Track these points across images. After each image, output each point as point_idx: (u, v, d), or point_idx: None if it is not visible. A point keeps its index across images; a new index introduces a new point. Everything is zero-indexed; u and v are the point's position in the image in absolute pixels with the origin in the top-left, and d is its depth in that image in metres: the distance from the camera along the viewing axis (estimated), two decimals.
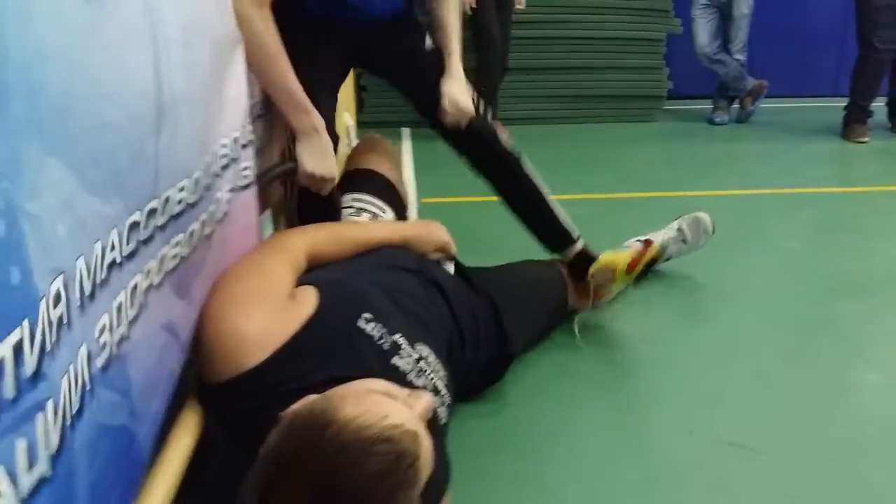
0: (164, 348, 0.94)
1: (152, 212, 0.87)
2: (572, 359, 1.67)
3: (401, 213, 1.74)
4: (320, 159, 1.46)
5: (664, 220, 2.09)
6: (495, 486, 1.25)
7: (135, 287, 0.82)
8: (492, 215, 2.48)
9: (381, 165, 1.79)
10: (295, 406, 0.83)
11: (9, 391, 0.55)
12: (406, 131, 4.26)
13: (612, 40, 4.38)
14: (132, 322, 0.81)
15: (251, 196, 1.35)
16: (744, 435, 1.38)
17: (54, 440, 0.61)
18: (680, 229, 2.05)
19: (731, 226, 2.56)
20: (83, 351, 0.68)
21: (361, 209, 1.63)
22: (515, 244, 1.98)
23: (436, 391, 1.12)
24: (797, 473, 1.30)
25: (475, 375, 1.42)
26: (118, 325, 0.77)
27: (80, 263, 0.67)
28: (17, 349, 0.56)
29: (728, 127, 4.33)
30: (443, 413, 1.14)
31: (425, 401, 0.84)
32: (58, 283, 0.62)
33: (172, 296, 0.96)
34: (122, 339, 0.78)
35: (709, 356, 1.71)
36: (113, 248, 0.75)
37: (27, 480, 0.57)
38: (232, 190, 1.22)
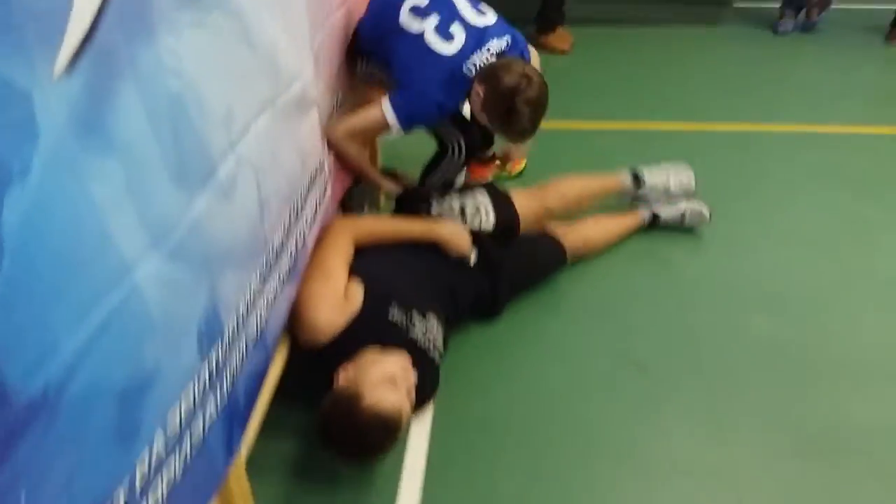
0: (287, 313, 1.55)
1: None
2: (553, 299, 2.24)
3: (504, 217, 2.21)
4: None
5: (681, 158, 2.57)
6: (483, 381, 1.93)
7: (273, 284, 1.43)
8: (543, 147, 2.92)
9: None
10: (340, 378, 1.58)
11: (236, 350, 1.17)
12: None
13: None
14: (272, 300, 1.44)
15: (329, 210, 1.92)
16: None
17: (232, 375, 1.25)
18: (683, 214, 2.50)
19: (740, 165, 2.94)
20: (252, 324, 1.31)
21: (463, 206, 2.16)
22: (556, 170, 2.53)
23: (435, 347, 1.79)
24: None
25: (477, 312, 2.09)
26: (267, 306, 1.40)
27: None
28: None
29: (791, 38, 4.42)
30: (437, 358, 1.80)
31: (411, 379, 1.60)
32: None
33: (292, 282, 1.56)
34: (266, 313, 1.42)
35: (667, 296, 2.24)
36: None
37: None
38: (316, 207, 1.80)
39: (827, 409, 1.81)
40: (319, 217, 1.79)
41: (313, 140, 1.74)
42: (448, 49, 1.95)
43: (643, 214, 2.51)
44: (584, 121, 3.37)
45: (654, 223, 2.51)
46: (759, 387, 1.89)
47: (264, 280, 1.42)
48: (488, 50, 1.95)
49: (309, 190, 1.71)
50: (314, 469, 1.68)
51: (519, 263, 2.12)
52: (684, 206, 2.50)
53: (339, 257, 1.79)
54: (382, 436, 1.53)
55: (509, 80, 1.85)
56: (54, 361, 0.81)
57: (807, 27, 4.48)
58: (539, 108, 1.91)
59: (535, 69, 1.94)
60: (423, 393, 1.72)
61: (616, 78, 3.89)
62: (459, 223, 2.09)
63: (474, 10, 2.03)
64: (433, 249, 1.99)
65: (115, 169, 0.90)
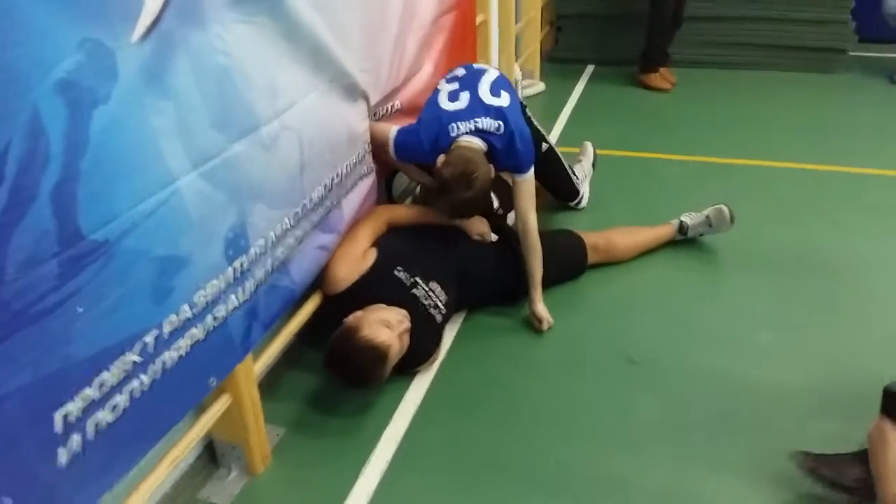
0: (314, 258, 1.98)
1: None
2: (572, 296, 2.51)
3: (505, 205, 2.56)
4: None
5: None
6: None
7: (305, 226, 1.86)
8: (618, 170, 3.21)
9: None
10: (349, 319, 1.98)
11: (261, 266, 1.61)
12: (589, 69, 4.90)
13: None
14: (301, 240, 1.86)
15: (368, 182, 2.32)
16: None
17: (255, 283, 1.68)
18: (707, 216, 2.72)
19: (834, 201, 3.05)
20: (279, 252, 1.74)
21: None
22: (620, 200, 2.96)
23: (436, 307, 2.18)
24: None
25: (498, 298, 2.42)
26: (296, 244, 1.83)
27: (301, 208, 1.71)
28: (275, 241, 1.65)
29: None
30: (438, 317, 2.18)
31: (404, 327, 1.98)
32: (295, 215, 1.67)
33: (322, 231, 1.98)
34: (294, 250, 1.83)
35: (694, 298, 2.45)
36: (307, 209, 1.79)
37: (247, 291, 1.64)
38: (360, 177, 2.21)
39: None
40: (360, 190, 2.21)
41: (361, 125, 2.17)
42: (448, 107, 2.26)
43: (674, 223, 2.73)
44: (656, 153, 3.62)
45: (684, 232, 2.72)
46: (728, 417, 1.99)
47: (297, 223, 1.85)
48: (475, 122, 2.20)
49: (355, 165, 2.14)
50: (320, 399, 2.09)
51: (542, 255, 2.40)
52: (707, 210, 2.72)
53: (367, 228, 2.22)
54: (371, 362, 1.92)
55: (451, 173, 2.11)
56: (115, 222, 1.26)
57: None
58: (464, 207, 2.20)
59: (483, 175, 2.13)
60: (422, 343, 2.10)
61: (703, 117, 4.07)
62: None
63: (490, 90, 2.29)
64: (456, 234, 2.36)
65: (168, 109, 1.36)
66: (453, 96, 2.31)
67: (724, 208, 2.70)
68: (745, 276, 2.58)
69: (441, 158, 2.18)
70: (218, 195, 1.52)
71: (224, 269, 1.58)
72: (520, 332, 2.34)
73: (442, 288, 2.21)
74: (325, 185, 1.98)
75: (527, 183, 2.28)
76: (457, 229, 2.38)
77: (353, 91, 2.07)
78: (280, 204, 1.77)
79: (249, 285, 1.68)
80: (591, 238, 2.59)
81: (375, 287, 2.10)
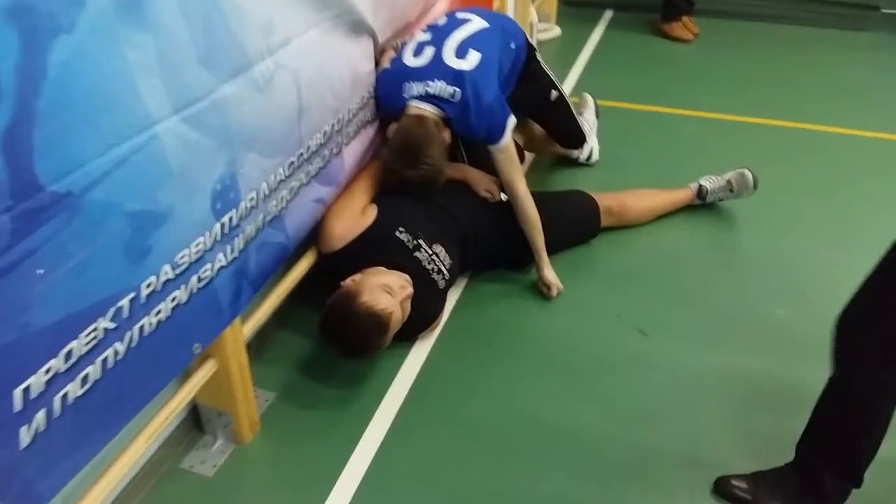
0: (310, 212, 1.81)
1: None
2: (583, 261, 2.35)
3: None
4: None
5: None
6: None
7: (301, 177, 1.69)
8: (633, 125, 3.03)
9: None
10: (347, 281, 1.82)
11: (252, 221, 1.44)
12: (608, 14, 4.65)
13: None
14: (296, 192, 1.69)
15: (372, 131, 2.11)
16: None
17: (245, 240, 1.51)
18: (729, 180, 2.54)
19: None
20: (272, 205, 1.58)
21: None
22: (634, 158, 2.77)
23: (439, 271, 2.00)
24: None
25: (508, 261, 2.26)
26: (290, 196, 1.66)
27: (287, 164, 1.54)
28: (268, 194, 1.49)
29: None
30: (441, 282, 2.01)
31: (406, 293, 1.82)
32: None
33: (320, 183, 1.81)
34: (288, 203, 1.67)
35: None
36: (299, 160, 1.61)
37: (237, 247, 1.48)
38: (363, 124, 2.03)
39: None
40: (363, 138, 2.03)
41: (366, 66, 1.97)
42: (409, 62, 2.03)
43: (692, 186, 2.57)
44: (674, 108, 3.41)
45: (703, 196, 2.56)
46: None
47: (292, 172, 1.67)
48: (427, 85, 1.96)
49: (358, 111, 1.95)
50: (313, 363, 1.95)
51: (551, 216, 2.22)
52: (729, 174, 2.55)
53: (366, 183, 2.04)
54: (371, 330, 1.76)
55: (394, 148, 1.97)
56: (79, 172, 1.08)
57: None
58: (410, 187, 1.98)
59: (433, 152, 1.94)
60: (424, 310, 1.95)
61: (726, 71, 3.83)
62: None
63: (456, 48, 2.02)
64: (461, 190, 2.19)
65: (147, 42, 1.17)
66: (419, 50, 2.06)
67: (748, 172, 2.52)
68: (765, 246, 2.43)
69: (391, 127, 2.01)
70: (205, 142, 1.35)
71: (211, 225, 1.42)
72: (525, 300, 2.19)
73: (446, 251, 2.04)
74: (325, 132, 1.80)
75: (503, 152, 2.05)
76: (463, 185, 2.21)
77: (358, 28, 1.87)
78: (275, 152, 1.60)
79: (239, 242, 1.52)
80: (604, 200, 2.42)
81: (375, 247, 1.94)
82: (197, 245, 1.38)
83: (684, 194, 2.57)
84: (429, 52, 2.04)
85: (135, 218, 1.22)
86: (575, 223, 2.38)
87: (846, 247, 2.40)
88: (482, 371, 1.93)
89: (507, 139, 2.04)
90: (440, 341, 2.02)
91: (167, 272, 1.31)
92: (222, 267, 1.48)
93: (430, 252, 1.99)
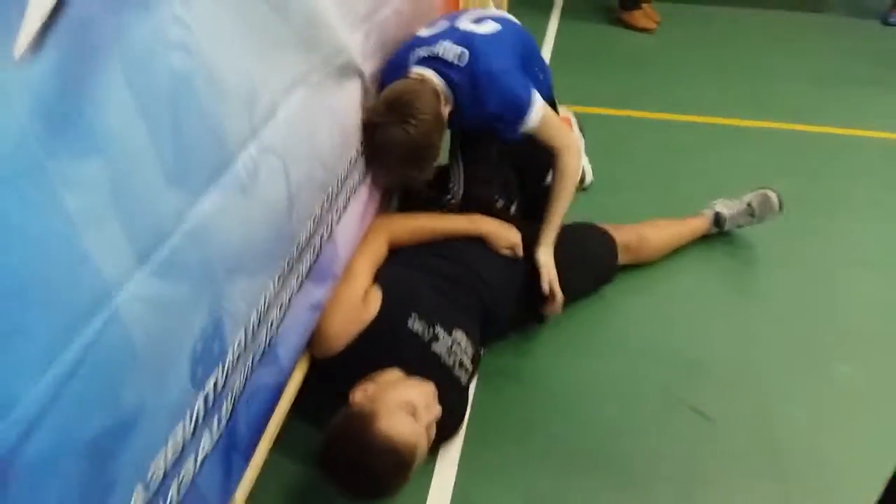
0: (306, 324, 1.38)
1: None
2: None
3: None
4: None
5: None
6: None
7: (292, 284, 1.26)
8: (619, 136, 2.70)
9: None
10: (356, 395, 1.40)
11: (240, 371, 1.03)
12: (559, 2, 4.28)
13: None
14: (288, 307, 1.27)
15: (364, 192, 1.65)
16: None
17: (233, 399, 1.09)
18: (749, 204, 2.22)
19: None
20: (262, 337, 1.16)
21: None
22: (629, 171, 2.40)
23: (461, 364, 1.59)
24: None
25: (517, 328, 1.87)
26: (281, 315, 1.24)
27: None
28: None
29: None
30: (464, 378, 1.61)
31: (433, 415, 1.41)
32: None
33: (313, 284, 1.38)
34: (280, 324, 1.25)
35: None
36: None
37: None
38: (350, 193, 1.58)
39: None
40: (356, 207, 1.59)
41: (354, 116, 1.53)
42: (422, 32, 1.75)
43: (707, 214, 2.24)
44: (660, 112, 3.08)
45: (720, 225, 2.24)
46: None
47: (283, 284, 1.24)
48: (433, 47, 1.65)
49: (348, 175, 1.52)
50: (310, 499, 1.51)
51: (569, 257, 1.85)
52: (748, 196, 2.23)
53: (366, 257, 1.60)
54: (389, 469, 1.33)
55: (384, 98, 1.58)
56: (10, 418, 0.65)
57: None
58: (385, 155, 1.60)
59: (426, 115, 1.56)
60: (448, 422, 1.53)
61: (700, 65, 3.51)
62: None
63: (473, 17, 1.75)
64: (477, 252, 1.77)
65: (94, 172, 0.72)
66: (433, 23, 1.78)
67: (771, 194, 2.20)
68: (794, 283, 2.14)
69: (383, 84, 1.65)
70: (179, 293, 0.90)
71: (192, 402, 0.97)
72: (550, 367, 1.82)
73: (468, 337, 1.63)
74: (315, 217, 1.36)
75: (542, 122, 1.67)
76: (476, 243, 1.78)
77: (346, 72, 1.43)
78: (265, 265, 1.15)
79: (226, 407, 1.08)
80: (621, 235, 2.06)
81: (383, 345, 1.51)
82: (175, 441, 0.94)
83: (700, 223, 2.24)
84: (443, 22, 1.75)
85: (92, 445, 0.77)
86: (593, 267, 2.01)
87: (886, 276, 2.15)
88: (530, 456, 1.58)
89: (537, 109, 1.66)
90: (468, 454, 1.62)
91: (139, 495, 0.87)
92: (207, 454, 1.03)
93: (451, 342, 1.59)
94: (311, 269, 1.36)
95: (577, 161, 1.77)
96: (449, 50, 1.63)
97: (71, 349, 0.71)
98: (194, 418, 0.97)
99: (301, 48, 1.18)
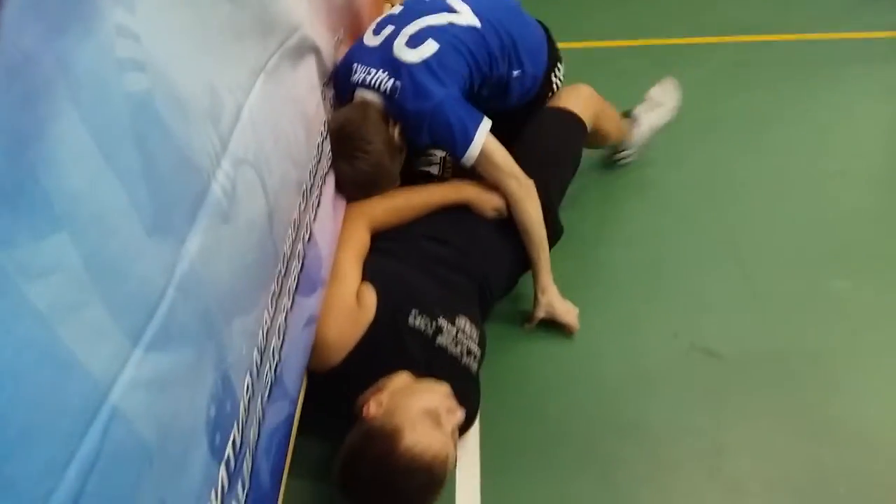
0: (304, 344, 1.23)
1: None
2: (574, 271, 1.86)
3: None
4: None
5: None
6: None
7: (284, 303, 1.11)
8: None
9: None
10: (371, 408, 1.24)
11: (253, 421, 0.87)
12: None
13: None
14: (285, 330, 1.12)
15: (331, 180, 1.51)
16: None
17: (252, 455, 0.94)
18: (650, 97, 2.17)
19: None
20: (266, 373, 1.00)
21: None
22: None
23: (469, 352, 1.46)
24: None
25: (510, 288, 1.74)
26: (280, 340, 1.09)
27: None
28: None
29: None
30: (474, 366, 1.47)
31: (457, 419, 1.28)
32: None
33: (304, 296, 1.23)
34: (280, 350, 1.10)
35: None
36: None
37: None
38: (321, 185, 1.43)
39: None
40: (327, 196, 1.42)
41: (313, 99, 1.35)
42: (366, 39, 1.63)
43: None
44: (604, 39, 2.96)
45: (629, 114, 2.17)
46: None
47: (276, 307, 1.08)
48: (369, 73, 1.55)
49: (316, 164, 1.35)
50: None
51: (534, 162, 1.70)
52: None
53: (350, 252, 1.44)
54: (424, 486, 1.20)
55: (331, 134, 1.50)
56: None
57: None
58: (349, 186, 1.54)
59: (374, 148, 1.51)
60: (466, 416, 1.37)
61: None
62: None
63: (413, 35, 1.57)
64: (465, 221, 1.64)
65: (62, 251, 0.56)
66: (381, 26, 1.63)
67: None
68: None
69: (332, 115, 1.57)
70: (183, 360, 0.74)
71: (214, 478, 0.82)
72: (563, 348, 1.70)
73: (471, 321, 1.50)
74: (294, 221, 1.20)
75: (481, 158, 1.57)
76: (463, 212, 1.64)
77: (301, 51, 1.26)
78: (257, 295, 0.99)
79: (247, 465, 0.94)
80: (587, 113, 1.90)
81: (386, 347, 1.36)
82: None
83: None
84: (387, 31, 1.61)
85: None
86: (573, 161, 1.89)
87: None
88: (552, 443, 1.49)
89: (474, 150, 1.55)
90: (489, 458, 1.49)
91: None
92: None
93: (455, 331, 1.45)
94: (298, 281, 1.21)
95: (531, 203, 1.63)
96: (383, 82, 1.53)
97: (69, 472, 0.56)
98: (219, 494, 0.83)
99: (257, 34, 1.00)
